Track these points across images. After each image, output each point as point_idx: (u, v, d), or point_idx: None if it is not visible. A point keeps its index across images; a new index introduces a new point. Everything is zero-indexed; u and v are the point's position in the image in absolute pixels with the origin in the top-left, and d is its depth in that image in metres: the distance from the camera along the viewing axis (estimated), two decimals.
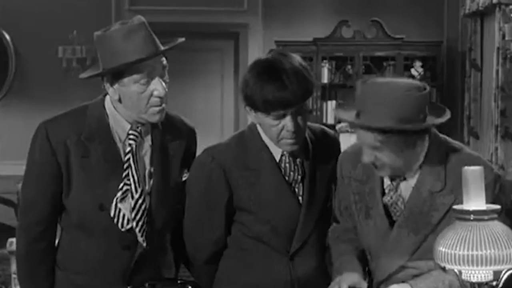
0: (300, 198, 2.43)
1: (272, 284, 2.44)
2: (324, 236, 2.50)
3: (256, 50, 7.27)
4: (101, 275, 2.43)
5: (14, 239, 3.83)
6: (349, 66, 7.38)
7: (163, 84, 2.34)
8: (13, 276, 3.82)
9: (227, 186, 2.41)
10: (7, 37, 7.40)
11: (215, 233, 2.48)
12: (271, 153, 2.42)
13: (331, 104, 7.47)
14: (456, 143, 2.28)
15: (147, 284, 2.29)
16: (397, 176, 2.24)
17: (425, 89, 2.12)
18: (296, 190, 2.43)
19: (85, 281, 2.45)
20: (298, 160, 2.43)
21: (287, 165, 2.42)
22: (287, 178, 2.41)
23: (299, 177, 2.43)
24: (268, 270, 2.44)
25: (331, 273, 2.41)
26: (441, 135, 2.27)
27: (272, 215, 2.41)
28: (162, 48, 2.35)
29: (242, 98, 2.37)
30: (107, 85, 2.36)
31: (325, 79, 7.41)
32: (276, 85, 2.25)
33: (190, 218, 2.50)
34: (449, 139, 2.29)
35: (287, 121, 2.30)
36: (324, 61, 7.36)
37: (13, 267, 3.81)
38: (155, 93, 2.33)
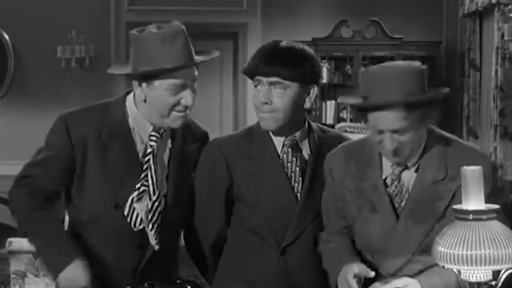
0: (298, 194, 2.45)
1: (262, 279, 2.45)
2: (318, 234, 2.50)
3: (255, 49, 7.23)
4: (110, 273, 2.41)
5: (13, 239, 3.84)
6: (348, 66, 7.38)
7: (192, 94, 2.36)
8: (12, 276, 3.82)
9: (228, 174, 2.46)
10: (6, 36, 7.40)
11: (216, 223, 2.51)
12: (275, 146, 2.46)
13: (330, 104, 7.47)
14: (451, 136, 2.32)
15: (146, 284, 2.29)
16: (404, 162, 2.25)
17: (422, 66, 2.24)
18: (296, 185, 2.45)
19: (93, 277, 2.40)
20: (300, 154, 2.46)
21: (285, 155, 2.45)
22: (286, 170, 2.44)
23: (297, 168, 2.45)
24: (259, 264, 2.46)
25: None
26: (437, 130, 2.31)
27: (267, 208, 2.44)
28: (197, 58, 2.35)
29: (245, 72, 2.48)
30: (134, 84, 2.36)
31: (324, 79, 7.40)
32: (272, 45, 2.52)
33: (196, 207, 2.53)
34: (444, 132, 2.33)
35: (263, 90, 2.39)
36: (323, 61, 7.35)
37: (12, 267, 3.81)
38: (182, 101, 2.34)
